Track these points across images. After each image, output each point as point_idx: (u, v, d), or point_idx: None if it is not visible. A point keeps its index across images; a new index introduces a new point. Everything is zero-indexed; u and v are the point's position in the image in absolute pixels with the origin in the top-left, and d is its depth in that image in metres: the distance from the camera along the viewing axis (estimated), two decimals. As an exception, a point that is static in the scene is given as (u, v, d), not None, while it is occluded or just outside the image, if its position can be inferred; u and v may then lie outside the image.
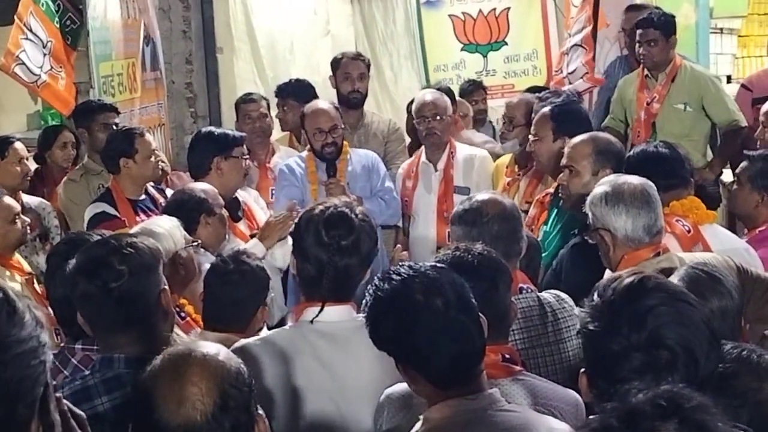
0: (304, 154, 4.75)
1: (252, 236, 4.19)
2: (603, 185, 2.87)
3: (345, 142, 4.71)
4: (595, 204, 2.84)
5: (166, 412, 1.58)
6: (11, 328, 1.22)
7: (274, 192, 4.85)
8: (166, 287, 2.28)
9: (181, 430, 1.58)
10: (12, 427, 1.22)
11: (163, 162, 4.62)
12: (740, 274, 2.72)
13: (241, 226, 4.24)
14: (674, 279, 2.48)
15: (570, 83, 5.12)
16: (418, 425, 1.97)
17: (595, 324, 1.76)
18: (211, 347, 1.69)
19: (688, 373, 1.66)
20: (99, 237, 2.52)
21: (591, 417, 1.29)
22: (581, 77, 5.09)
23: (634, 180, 2.85)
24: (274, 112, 5.49)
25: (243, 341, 2.52)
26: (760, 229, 3.65)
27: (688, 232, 3.16)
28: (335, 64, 5.40)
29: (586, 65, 5.09)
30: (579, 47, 5.15)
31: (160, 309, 2.23)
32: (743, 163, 3.79)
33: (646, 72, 5.46)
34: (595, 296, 1.80)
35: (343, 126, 4.71)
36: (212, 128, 4.65)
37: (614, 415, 1.26)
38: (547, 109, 3.93)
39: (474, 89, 6.33)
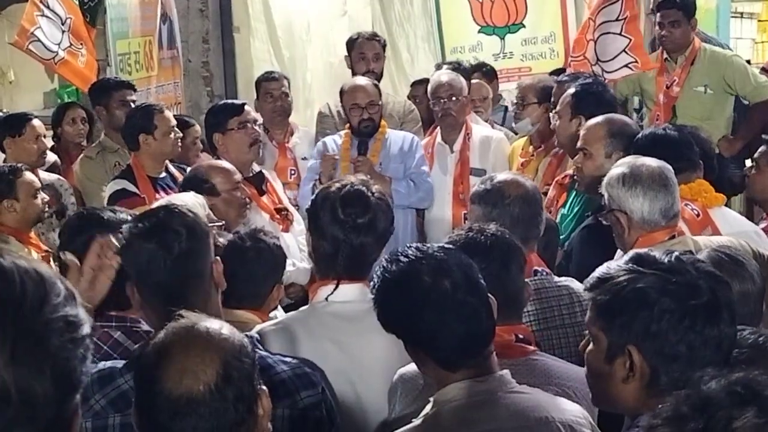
0: (343, 132, 4.78)
1: (277, 210, 4.19)
2: (621, 166, 2.85)
3: (384, 122, 4.72)
4: (612, 185, 2.82)
5: (168, 383, 1.58)
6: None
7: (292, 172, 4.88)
8: (219, 259, 2.26)
9: (183, 400, 1.58)
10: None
11: (200, 149, 4.65)
12: (755, 258, 2.70)
13: (265, 199, 4.23)
14: (696, 261, 2.48)
15: (606, 71, 5.09)
16: (428, 407, 1.97)
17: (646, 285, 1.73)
18: (214, 322, 1.69)
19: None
20: (110, 212, 2.51)
21: (662, 405, 1.24)
22: (625, 65, 5.06)
23: (653, 162, 2.83)
24: (292, 91, 5.48)
25: (258, 326, 2.53)
26: (779, 213, 3.63)
27: (697, 215, 3.14)
28: (350, 44, 5.40)
29: (632, 53, 5.06)
30: (617, 36, 5.10)
31: (213, 279, 2.21)
32: (762, 147, 3.76)
33: (665, 55, 5.42)
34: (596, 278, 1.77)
35: (380, 103, 4.72)
36: (215, 104, 4.66)
37: (688, 403, 1.21)
38: (572, 88, 3.92)
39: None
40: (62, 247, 2.57)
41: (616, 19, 5.12)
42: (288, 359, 2.15)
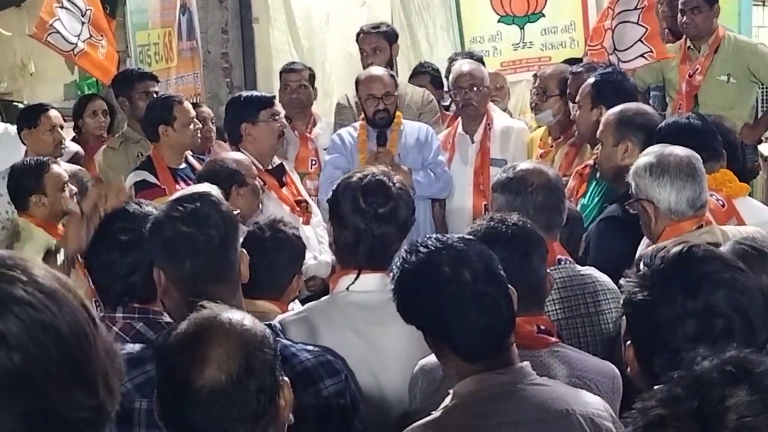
0: (358, 123, 4.75)
1: (297, 202, 4.19)
2: (648, 155, 2.82)
3: (399, 113, 4.70)
4: (639, 174, 2.79)
5: (190, 373, 1.58)
6: None
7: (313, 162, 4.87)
8: (244, 251, 2.26)
9: (205, 390, 1.57)
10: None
11: (211, 131, 4.65)
12: None
13: (285, 191, 4.24)
14: (721, 252, 2.46)
15: (622, 61, 5.05)
16: (448, 399, 1.95)
17: (645, 293, 1.71)
18: (237, 313, 1.68)
19: (746, 340, 1.62)
20: (137, 206, 2.50)
21: (656, 387, 1.24)
22: (639, 55, 5.02)
23: (680, 151, 2.80)
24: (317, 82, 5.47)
25: (280, 317, 2.53)
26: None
27: (723, 206, 3.10)
28: (357, 38, 5.38)
29: (648, 43, 5.02)
30: (635, 25, 5.07)
31: (239, 273, 2.21)
32: None
33: (688, 43, 5.37)
34: (641, 266, 1.75)
35: (396, 93, 4.69)
36: (241, 93, 4.66)
37: (681, 384, 1.21)
38: (591, 78, 3.89)
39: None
40: (95, 238, 2.55)
41: (635, 8, 5.09)
42: (310, 347, 2.15)
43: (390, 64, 5.31)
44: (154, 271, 2.22)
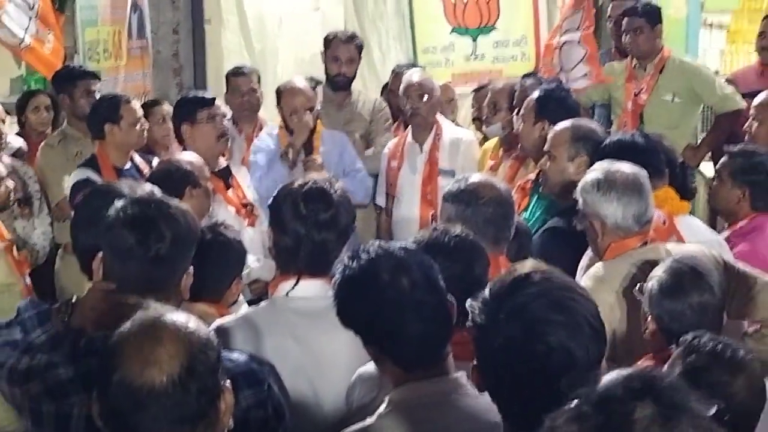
0: (275, 132, 4.70)
1: (243, 205, 4.16)
2: (595, 171, 2.86)
3: (318, 121, 4.67)
4: (587, 190, 2.83)
5: (130, 373, 1.57)
6: None
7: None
8: (191, 272, 2.22)
9: (144, 390, 1.56)
10: None
11: (169, 129, 4.61)
12: (726, 270, 2.72)
13: (230, 193, 4.21)
14: (658, 271, 2.50)
15: (570, 80, 5.12)
16: (383, 407, 1.96)
17: (479, 316, 1.66)
18: (181, 315, 1.67)
19: (565, 367, 1.57)
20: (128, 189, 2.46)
21: (565, 406, 1.26)
22: (582, 76, 5.09)
23: (627, 168, 2.84)
24: (262, 85, 5.44)
25: (218, 321, 2.51)
26: (741, 224, 3.66)
27: (664, 223, 3.15)
28: (327, 43, 5.33)
29: (587, 64, 5.10)
30: (578, 45, 5.14)
31: (178, 287, 2.18)
32: (723, 159, 3.79)
33: (634, 62, 5.46)
34: (485, 290, 1.69)
35: (318, 106, 4.67)
36: (184, 95, 4.62)
37: (588, 401, 1.24)
38: (535, 92, 3.94)
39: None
40: (80, 222, 2.49)
41: (577, 29, 5.17)
42: (235, 355, 2.12)
43: (354, 75, 5.31)
44: (96, 258, 2.19)
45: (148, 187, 2.65)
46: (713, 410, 1.24)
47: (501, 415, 1.69)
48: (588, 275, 2.85)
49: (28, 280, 3.80)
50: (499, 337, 1.62)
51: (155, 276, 2.11)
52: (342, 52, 5.25)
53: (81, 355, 2.06)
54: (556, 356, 1.58)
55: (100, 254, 2.19)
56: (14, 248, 3.88)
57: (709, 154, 5.48)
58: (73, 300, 2.19)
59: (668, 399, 1.21)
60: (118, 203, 2.18)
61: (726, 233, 3.65)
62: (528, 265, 1.73)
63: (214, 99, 4.34)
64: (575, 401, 1.24)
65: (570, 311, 1.62)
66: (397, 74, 5.59)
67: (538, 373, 1.57)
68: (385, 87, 6.02)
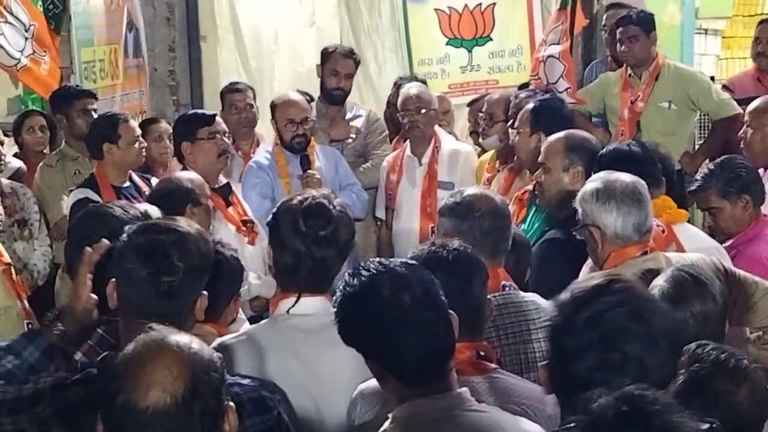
0: (271, 147, 4.72)
1: (243, 222, 4.15)
2: (594, 181, 2.86)
3: (312, 137, 4.68)
4: (586, 200, 2.83)
5: (134, 394, 1.57)
6: None
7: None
8: (205, 293, 2.20)
9: (149, 412, 1.56)
10: None
11: (168, 147, 4.62)
12: (727, 277, 2.72)
13: (231, 211, 4.21)
14: (660, 280, 2.48)
15: (558, 92, 5.12)
16: (387, 423, 1.96)
17: (558, 318, 1.75)
18: (184, 336, 1.67)
19: (638, 378, 1.60)
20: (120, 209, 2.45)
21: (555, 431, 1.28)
22: (564, 90, 5.10)
23: (626, 177, 2.84)
24: (259, 101, 5.44)
25: (220, 339, 2.51)
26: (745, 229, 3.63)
27: (663, 232, 3.15)
28: (326, 56, 5.31)
29: (566, 80, 5.11)
30: (558, 60, 5.15)
31: (192, 312, 2.17)
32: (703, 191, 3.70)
33: (629, 71, 5.47)
34: (567, 293, 1.78)
35: (312, 118, 4.68)
36: (184, 113, 4.63)
37: (580, 426, 1.25)
38: (531, 103, 3.94)
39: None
40: (73, 245, 2.47)
41: (558, 42, 5.18)
42: (246, 381, 2.11)
43: (350, 90, 5.33)
44: (109, 285, 2.17)
45: (142, 207, 2.65)
46: (705, 428, 1.24)
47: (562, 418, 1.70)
48: (588, 285, 2.85)
49: (26, 303, 3.78)
50: (575, 341, 1.66)
51: (168, 308, 2.10)
52: (341, 66, 5.25)
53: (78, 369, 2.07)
54: (631, 366, 1.60)
55: (113, 281, 2.16)
56: (12, 271, 3.86)
57: (707, 161, 5.47)
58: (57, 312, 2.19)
59: (659, 424, 1.20)
60: (129, 229, 2.16)
61: (730, 241, 3.63)
62: (609, 273, 1.83)
63: (214, 116, 4.35)
64: (567, 426, 1.24)
65: (648, 323, 1.66)
66: (398, 87, 5.59)
67: (609, 383, 1.58)
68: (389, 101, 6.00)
